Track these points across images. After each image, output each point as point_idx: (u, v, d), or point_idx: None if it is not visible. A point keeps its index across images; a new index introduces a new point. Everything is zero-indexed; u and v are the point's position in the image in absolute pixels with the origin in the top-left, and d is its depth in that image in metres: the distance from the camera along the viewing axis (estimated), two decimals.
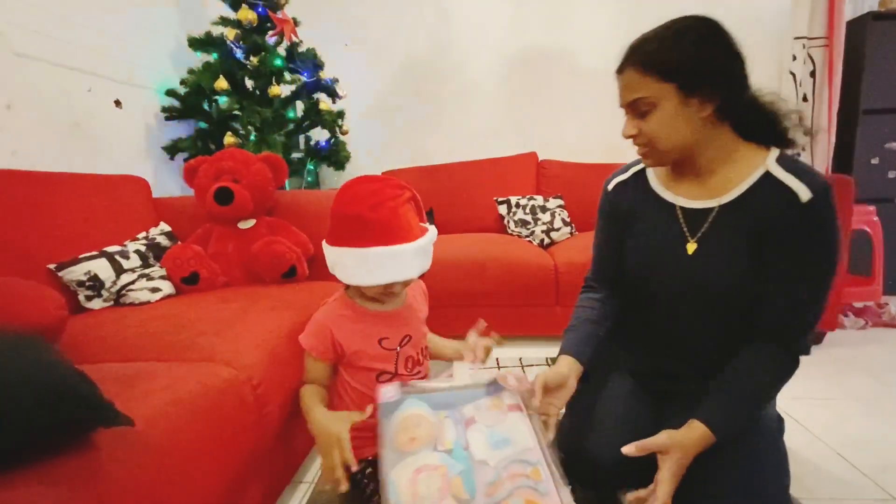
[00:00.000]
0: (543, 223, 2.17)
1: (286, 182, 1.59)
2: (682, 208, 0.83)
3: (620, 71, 0.78)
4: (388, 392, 0.77)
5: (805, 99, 2.25)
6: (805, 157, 2.29)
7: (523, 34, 2.59)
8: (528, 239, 2.15)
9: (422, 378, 0.95)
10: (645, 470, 0.89)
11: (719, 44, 0.74)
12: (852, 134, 2.30)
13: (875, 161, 2.32)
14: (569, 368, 0.85)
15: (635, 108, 0.76)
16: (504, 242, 2.02)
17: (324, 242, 0.85)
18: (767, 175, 0.75)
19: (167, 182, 2.03)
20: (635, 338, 0.99)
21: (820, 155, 2.25)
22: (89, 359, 0.80)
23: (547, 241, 2.12)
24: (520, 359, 1.73)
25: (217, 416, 0.72)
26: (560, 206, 2.26)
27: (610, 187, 0.95)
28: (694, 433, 0.73)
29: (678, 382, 0.92)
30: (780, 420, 0.89)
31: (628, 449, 0.73)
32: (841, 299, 1.99)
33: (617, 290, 0.96)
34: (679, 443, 0.72)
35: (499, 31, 2.59)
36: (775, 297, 0.76)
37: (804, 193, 0.71)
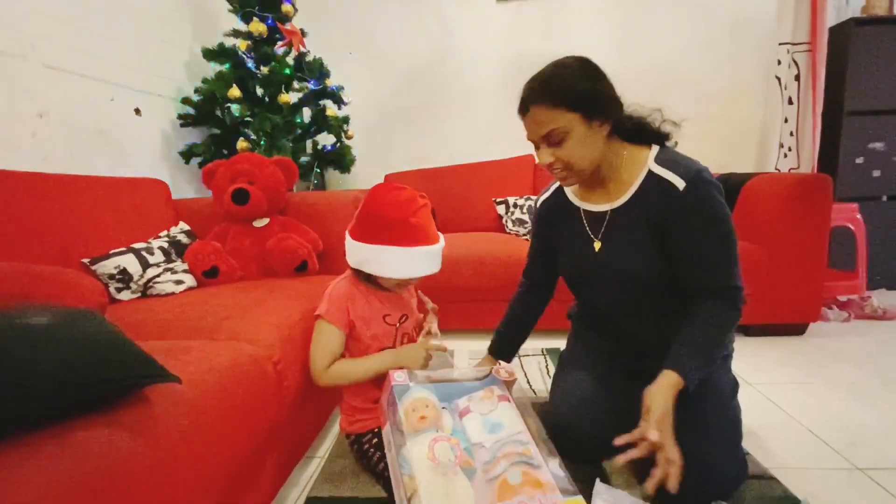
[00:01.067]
0: None
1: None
2: (586, 212, 0.97)
3: (525, 110, 0.87)
4: (399, 376, 0.88)
5: (790, 102, 2.34)
6: (791, 158, 2.39)
7: (520, 42, 2.69)
8: (525, 237, 2.25)
9: None
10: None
11: (601, 76, 0.87)
12: (837, 135, 2.40)
13: (860, 161, 2.41)
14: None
15: (549, 139, 0.85)
16: (502, 240, 2.12)
17: (353, 241, 0.94)
18: (650, 173, 0.88)
19: (183, 185, 2.15)
20: (592, 324, 1.13)
21: (805, 155, 2.35)
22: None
23: None
24: None
25: (244, 385, 0.82)
26: None
27: (538, 204, 1.10)
28: (665, 380, 0.83)
29: (637, 359, 1.02)
30: (735, 383, 0.99)
31: (620, 440, 0.79)
32: (826, 293, 2.07)
33: (543, 283, 1.16)
34: (654, 398, 0.80)
35: (497, 39, 2.70)
36: (694, 268, 0.88)
37: (679, 183, 0.84)
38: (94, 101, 1.73)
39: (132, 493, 0.56)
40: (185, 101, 2.07)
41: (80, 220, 1.32)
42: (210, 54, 2.07)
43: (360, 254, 0.93)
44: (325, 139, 2.43)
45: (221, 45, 2.08)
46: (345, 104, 2.37)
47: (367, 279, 1.00)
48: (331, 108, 2.28)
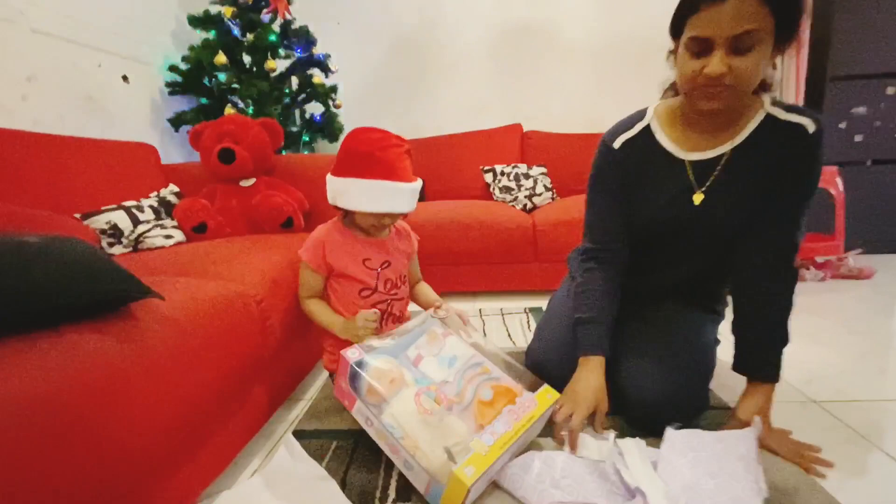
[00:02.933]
0: (526, 189, 2.30)
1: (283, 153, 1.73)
2: (691, 162, 0.88)
3: None
4: (353, 353, 0.85)
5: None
6: None
7: (508, 10, 2.69)
8: (511, 204, 2.29)
9: (400, 300, 1.11)
10: None
11: None
12: (820, 100, 2.42)
13: (842, 126, 2.45)
14: (601, 374, 0.92)
15: (738, 42, 0.70)
16: (488, 207, 2.16)
17: (329, 175, 1.00)
18: (769, 117, 0.82)
19: (172, 152, 2.17)
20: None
21: None
22: None
23: (529, 205, 2.26)
24: (500, 309, 1.88)
25: (227, 317, 0.87)
26: (543, 174, 2.39)
27: (616, 145, 0.93)
28: (762, 397, 0.89)
29: (641, 306, 1.06)
30: (717, 341, 1.06)
31: None
32: (805, 254, 2.13)
33: (624, 246, 0.98)
34: (761, 413, 0.88)
35: (485, 7, 2.69)
36: (783, 222, 0.85)
37: (809, 125, 0.79)
38: (81, 67, 1.75)
39: (121, 393, 0.61)
40: (173, 68, 2.09)
41: (71, 179, 1.36)
42: (195, 21, 2.08)
43: (333, 187, 0.98)
44: (314, 108, 2.46)
45: (207, 12, 2.09)
46: (332, 72, 2.38)
47: (350, 223, 1.05)
48: (318, 77, 2.30)
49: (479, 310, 1.89)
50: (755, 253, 0.90)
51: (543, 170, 2.42)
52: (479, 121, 2.69)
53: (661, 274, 1.03)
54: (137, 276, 0.79)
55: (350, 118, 2.63)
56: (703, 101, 0.79)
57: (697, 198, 0.89)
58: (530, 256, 1.98)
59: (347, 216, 1.05)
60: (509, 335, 1.60)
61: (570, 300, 1.14)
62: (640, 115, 0.98)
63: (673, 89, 1.01)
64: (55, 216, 0.98)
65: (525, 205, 2.26)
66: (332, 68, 2.38)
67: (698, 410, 0.96)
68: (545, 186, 2.32)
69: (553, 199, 2.31)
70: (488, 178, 2.44)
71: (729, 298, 1.07)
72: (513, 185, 2.34)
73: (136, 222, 1.35)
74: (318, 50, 2.33)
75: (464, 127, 2.66)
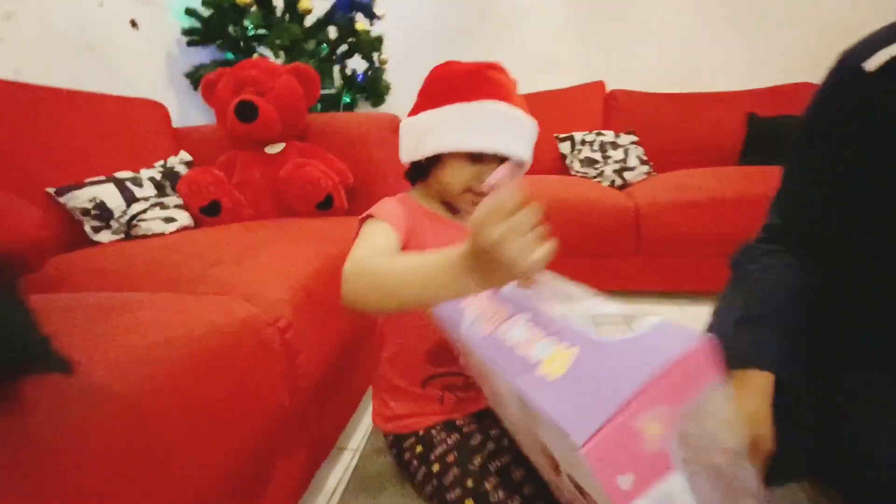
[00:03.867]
0: (615, 161, 1.85)
1: None
2: None
3: None
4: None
5: None
6: None
7: None
8: (596, 180, 1.85)
9: None
10: None
11: None
12: None
13: None
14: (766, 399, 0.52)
15: None
16: (570, 184, 1.73)
17: (405, 120, 0.67)
18: None
19: (192, 113, 1.84)
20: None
21: None
22: (70, 289, 0.61)
23: (619, 181, 1.81)
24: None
25: (229, 364, 0.51)
26: (634, 143, 1.93)
27: (871, 67, 0.53)
28: None
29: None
30: None
31: None
32: None
33: (812, 239, 0.61)
34: None
35: None
36: None
37: None
38: (78, 7, 1.42)
39: None
40: (190, 12, 1.73)
41: (52, 142, 1.04)
42: None
43: (415, 129, 0.64)
44: (356, 64, 2.06)
45: None
46: (377, 18, 1.97)
47: (425, 197, 0.69)
48: (361, 23, 1.90)
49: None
50: None
51: (634, 138, 1.95)
52: (551, 79, 2.23)
53: None
54: (97, 289, 0.44)
55: (397, 77, 2.22)
56: None
57: None
58: (630, 248, 1.55)
59: (422, 185, 0.69)
60: None
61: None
62: None
63: None
64: None
65: (613, 181, 1.81)
66: (378, 14, 1.96)
67: None
68: (639, 158, 1.86)
69: (649, 173, 1.85)
70: (564, 148, 1.99)
71: None
72: (597, 156, 1.89)
73: (130, 200, 1.02)
74: None
75: (533, 86, 2.20)
